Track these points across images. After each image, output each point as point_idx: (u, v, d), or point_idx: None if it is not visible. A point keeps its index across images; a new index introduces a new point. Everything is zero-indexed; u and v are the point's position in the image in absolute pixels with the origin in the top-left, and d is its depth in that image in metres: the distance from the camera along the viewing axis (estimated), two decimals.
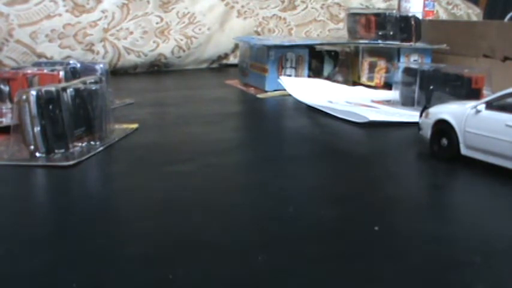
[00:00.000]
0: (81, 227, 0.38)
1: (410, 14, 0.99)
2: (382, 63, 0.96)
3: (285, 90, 0.87)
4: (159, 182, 0.48)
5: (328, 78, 0.97)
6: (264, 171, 0.51)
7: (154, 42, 1.20)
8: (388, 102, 0.81)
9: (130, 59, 1.19)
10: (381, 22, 0.96)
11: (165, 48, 1.22)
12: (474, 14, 1.56)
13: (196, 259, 0.33)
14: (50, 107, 0.53)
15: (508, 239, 0.36)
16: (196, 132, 0.67)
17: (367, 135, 0.66)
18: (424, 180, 0.51)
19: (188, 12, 1.25)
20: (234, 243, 0.35)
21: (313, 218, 0.39)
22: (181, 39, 1.23)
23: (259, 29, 1.34)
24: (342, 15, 1.38)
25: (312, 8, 1.39)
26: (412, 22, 0.95)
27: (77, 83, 0.58)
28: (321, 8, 1.40)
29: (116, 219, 0.40)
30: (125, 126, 0.66)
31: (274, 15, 1.35)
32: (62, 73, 0.68)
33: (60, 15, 1.11)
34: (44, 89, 0.53)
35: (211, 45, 1.28)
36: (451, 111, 0.52)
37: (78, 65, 0.76)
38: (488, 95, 0.56)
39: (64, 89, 0.55)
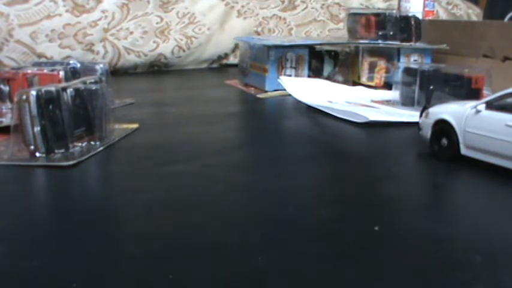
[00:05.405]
0: (81, 227, 0.38)
1: (410, 14, 0.99)
2: (382, 63, 0.96)
3: (285, 90, 0.87)
4: (159, 182, 0.48)
5: (328, 78, 0.97)
6: (264, 171, 0.51)
7: (154, 42, 1.20)
8: (388, 102, 0.81)
9: (130, 59, 1.19)
10: (380, 22, 0.96)
11: (165, 48, 1.22)
12: (474, 14, 1.56)
13: (196, 259, 0.33)
14: (50, 107, 0.53)
15: (508, 239, 0.36)
16: (196, 132, 0.67)
17: (367, 135, 0.66)
18: (424, 180, 0.51)
19: (188, 12, 1.25)
20: (234, 243, 0.35)
21: (313, 218, 0.39)
22: (181, 39, 1.23)
23: (259, 29, 1.34)
24: (342, 15, 1.38)
25: (312, 8, 1.39)
26: (412, 22, 0.96)
27: (77, 83, 0.58)
28: (321, 8, 1.40)
29: (116, 219, 0.40)
30: (124, 126, 0.66)
31: (274, 15, 1.35)
32: (62, 73, 0.68)
33: (60, 15, 1.11)
34: (44, 89, 0.53)
35: (211, 45, 1.28)
36: (451, 111, 0.52)
37: (78, 65, 0.76)
38: (488, 95, 0.56)
39: (64, 89, 0.55)
